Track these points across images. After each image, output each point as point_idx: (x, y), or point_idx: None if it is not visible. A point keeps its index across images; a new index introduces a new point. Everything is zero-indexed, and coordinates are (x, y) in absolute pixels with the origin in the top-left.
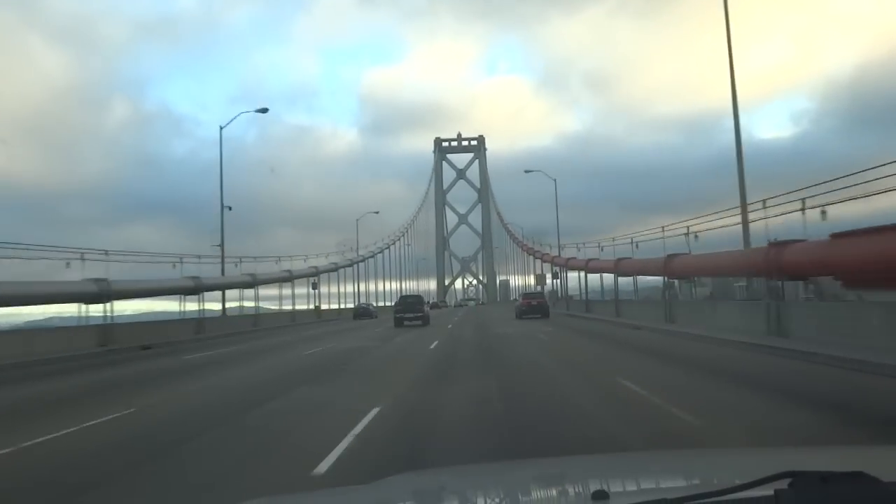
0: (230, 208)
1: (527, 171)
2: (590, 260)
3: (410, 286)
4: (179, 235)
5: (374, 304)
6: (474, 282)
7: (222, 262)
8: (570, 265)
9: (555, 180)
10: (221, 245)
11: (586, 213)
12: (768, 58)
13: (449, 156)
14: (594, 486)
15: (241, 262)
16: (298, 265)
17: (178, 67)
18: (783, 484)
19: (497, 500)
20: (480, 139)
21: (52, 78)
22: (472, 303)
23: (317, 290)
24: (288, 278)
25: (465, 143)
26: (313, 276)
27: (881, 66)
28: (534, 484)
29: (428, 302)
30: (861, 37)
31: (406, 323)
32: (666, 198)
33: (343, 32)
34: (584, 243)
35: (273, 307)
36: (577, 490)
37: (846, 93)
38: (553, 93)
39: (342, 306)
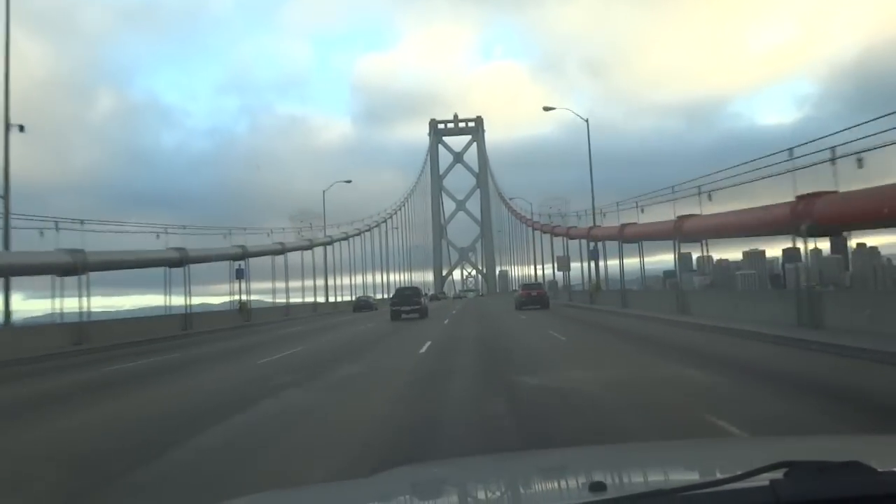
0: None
1: (546, 108)
2: (591, 228)
3: (406, 278)
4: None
5: (374, 297)
6: (473, 272)
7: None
8: (570, 234)
9: (587, 120)
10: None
11: (586, 201)
12: (771, 40)
13: (445, 138)
14: (592, 478)
15: (230, 233)
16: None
17: (164, 56)
18: (779, 474)
19: (496, 492)
20: (478, 120)
21: (33, 68)
22: (471, 294)
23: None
24: (281, 251)
25: (461, 124)
26: (306, 249)
27: (886, 49)
28: (533, 476)
29: (426, 294)
30: (866, 18)
31: (403, 316)
32: (667, 184)
33: (334, 18)
34: (584, 211)
35: (268, 299)
36: (575, 482)
37: (850, 76)
38: (551, 79)
39: (339, 299)
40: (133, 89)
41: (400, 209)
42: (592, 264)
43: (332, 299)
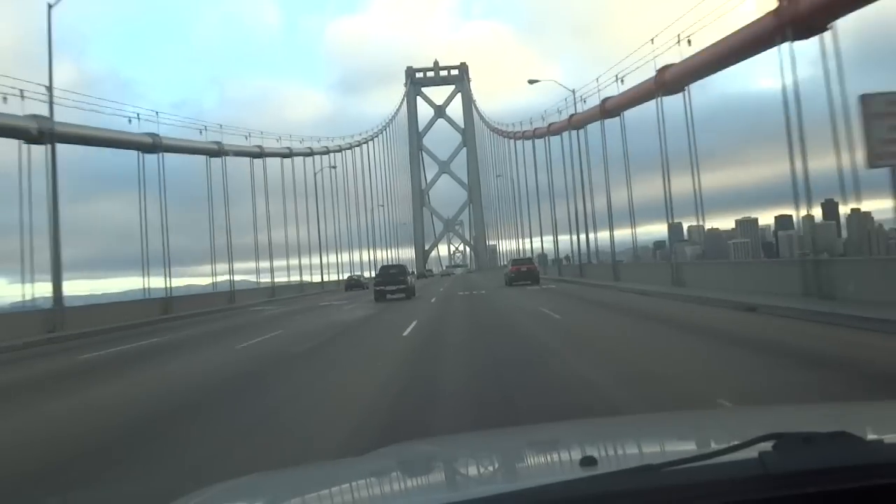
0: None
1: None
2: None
3: (388, 255)
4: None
5: (364, 276)
6: (461, 247)
7: None
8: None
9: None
10: None
11: (574, 173)
12: None
13: (425, 90)
14: (583, 452)
15: (205, 129)
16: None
17: (121, 24)
18: (768, 446)
19: (488, 468)
20: (463, 67)
21: None
22: (459, 270)
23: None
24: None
25: (443, 73)
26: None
27: None
28: (524, 451)
29: (412, 272)
30: None
31: (388, 297)
32: (658, 153)
33: None
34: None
35: (251, 279)
36: (566, 456)
37: (850, 30)
38: (537, 41)
39: (326, 279)
40: (90, 60)
41: (382, 132)
42: (582, 236)
43: (318, 279)
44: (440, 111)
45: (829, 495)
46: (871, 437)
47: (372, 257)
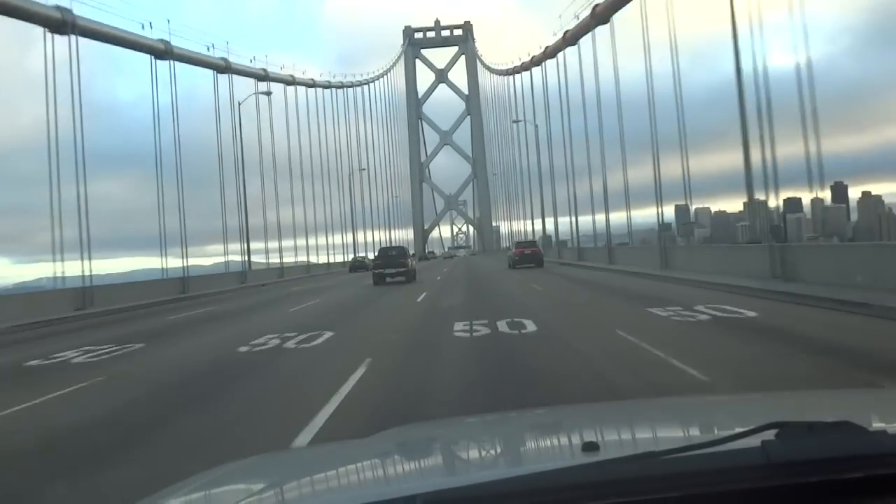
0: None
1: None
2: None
3: (387, 237)
4: (148, 190)
5: (368, 257)
6: (464, 228)
7: None
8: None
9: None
10: None
11: (578, 152)
12: None
13: (425, 52)
14: (585, 437)
15: (213, 46)
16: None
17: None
18: (770, 434)
19: (490, 452)
20: (466, 27)
21: None
22: (462, 251)
23: None
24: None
25: (445, 33)
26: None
27: None
28: (526, 435)
29: (413, 254)
30: None
31: (388, 280)
32: (664, 131)
33: None
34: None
35: (262, 261)
36: (568, 441)
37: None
38: (537, 11)
39: (332, 260)
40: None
41: (385, 75)
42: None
43: (323, 260)
44: (441, 75)
45: (832, 484)
46: (874, 426)
47: (373, 239)
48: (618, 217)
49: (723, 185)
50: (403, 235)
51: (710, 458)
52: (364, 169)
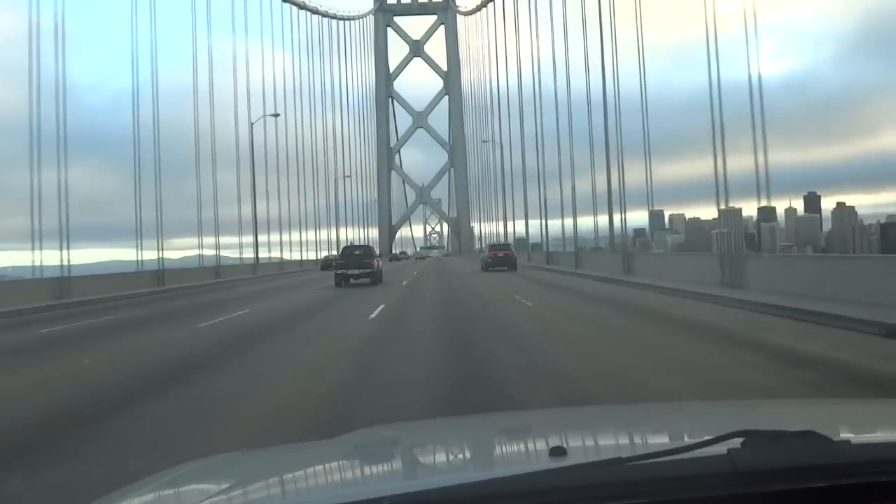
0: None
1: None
2: None
3: (364, 234)
4: (118, 177)
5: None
6: (437, 227)
7: None
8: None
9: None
10: None
11: (554, 155)
12: None
13: (398, 20)
14: (553, 442)
15: None
16: None
17: None
18: (737, 442)
19: (457, 455)
20: None
21: None
22: (435, 252)
23: None
24: None
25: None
26: None
27: None
28: (494, 439)
29: (379, 255)
30: None
31: (353, 281)
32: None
33: None
34: None
35: (234, 255)
36: (535, 446)
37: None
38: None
39: (304, 257)
40: (31, 11)
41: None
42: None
43: (297, 257)
44: (417, 48)
45: (796, 493)
46: (840, 436)
47: (346, 237)
48: (586, 222)
49: (700, 192)
50: (376, 235)
51: (676, 465)
52: (349, 176)
